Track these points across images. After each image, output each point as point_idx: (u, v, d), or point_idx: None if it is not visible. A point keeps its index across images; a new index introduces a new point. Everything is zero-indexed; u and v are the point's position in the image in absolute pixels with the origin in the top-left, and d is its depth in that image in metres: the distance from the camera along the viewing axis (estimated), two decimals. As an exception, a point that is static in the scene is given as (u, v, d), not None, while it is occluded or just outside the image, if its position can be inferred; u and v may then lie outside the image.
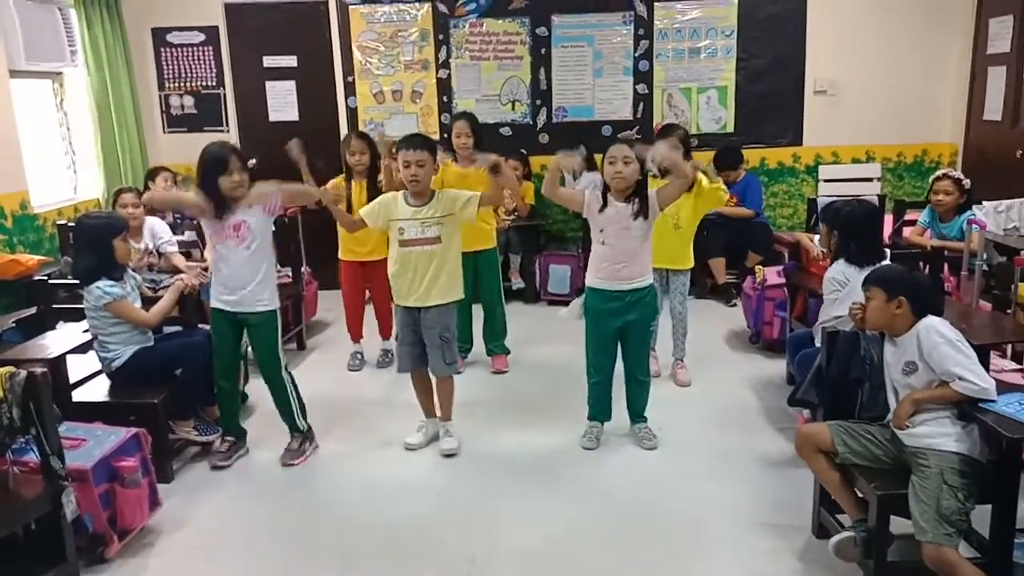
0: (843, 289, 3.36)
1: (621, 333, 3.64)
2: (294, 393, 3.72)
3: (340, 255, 4.75)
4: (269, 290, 3.60)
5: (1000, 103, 5.81)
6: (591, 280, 3.63)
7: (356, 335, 4.92)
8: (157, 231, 4.79)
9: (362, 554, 2.97)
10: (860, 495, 2.68)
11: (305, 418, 3.76)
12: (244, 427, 3.82)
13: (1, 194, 5.01)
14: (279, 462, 3.67)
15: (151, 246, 4.71)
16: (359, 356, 4.91)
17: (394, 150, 3.76)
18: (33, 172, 5.42)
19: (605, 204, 3.52)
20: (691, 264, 4.46)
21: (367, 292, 4.91)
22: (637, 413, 3.79)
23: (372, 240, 4.56)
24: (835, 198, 4.60)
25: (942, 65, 6.40)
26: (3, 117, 5.05)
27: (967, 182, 4.66)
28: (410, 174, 3.48)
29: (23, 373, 2.63)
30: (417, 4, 6.49)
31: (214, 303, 3.58)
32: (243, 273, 3.50)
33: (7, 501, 2.63)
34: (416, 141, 3.57)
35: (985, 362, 2.75)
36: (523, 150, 6.41)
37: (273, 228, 4.75)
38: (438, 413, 3.82)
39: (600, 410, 3.77)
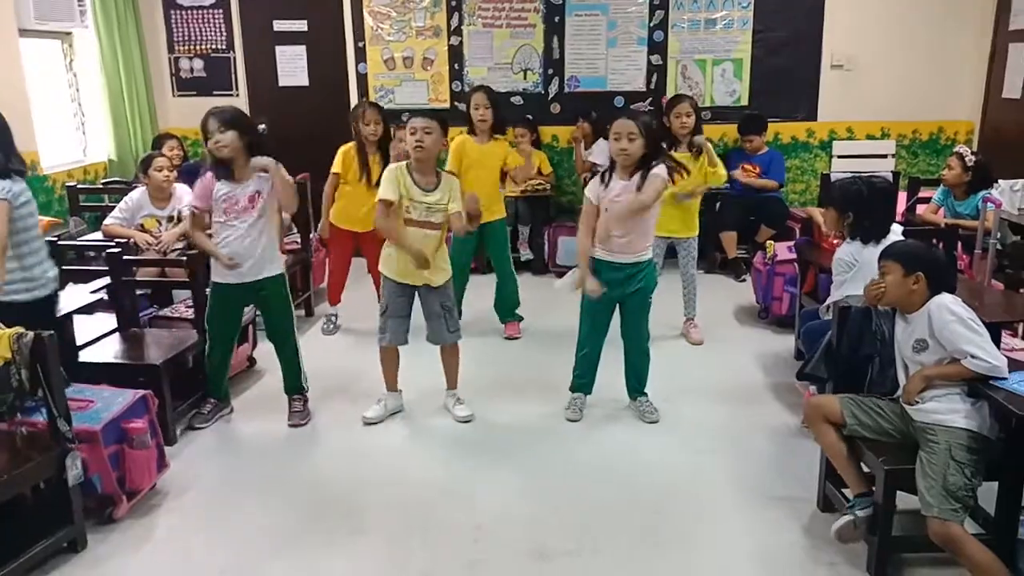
0: (850, 271, 3.33)
1: (620, 306, 3.65)
2: (301, 359, 3.78)
3: (332, 218, 4.75)
4: (276, 253, 3.65)
5: (1020, 81, 5.71)
6: (594, 250, 3.62)
7: (335, 299, 4.97)
8: (182, 198, 4.77)
9: (371, 517, 3.00)
10: (866, 469, 2.69)
11: (306, 380, 3.82)
12: (252, 391, 3.85)
13: (10, 155, 4.99)
14: (287, 424, 3.71)
15: (175, 213, 4.71)
16: (334, 319, 4.96)
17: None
18: (42, 133, 5.40)
19: (609, 182, 3.50)
20: (696, 232, 4.63)
21: (351, 260, 4.93)
22: (638, 387, 3.79)
23: (367, 207, 4.54)
24: (848, 174, 4.56)
25: (961, 41, 6.28)
26: (13, 77, 5.02)
27: (971, 159, 4.63)
28: (415, 140, 3.44)
29: (30, 334, 2.64)
30: (430, -31, 6.40)
31: (218, 278, 3.57)
32: (256, 242, 3.51)
33: (13, 462, 2.63)
34: (426, 112, 3.60)
35: (996, 340, 2.73)
36: (529, 116, 6.33)
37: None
38: (400, 387, 3.83)
39: (585, 382, 3.79)
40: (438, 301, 3.64)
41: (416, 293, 3.65)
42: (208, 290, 3.68)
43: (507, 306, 4.82)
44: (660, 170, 3.44)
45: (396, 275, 3.60)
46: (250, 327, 4.22)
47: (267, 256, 3.57)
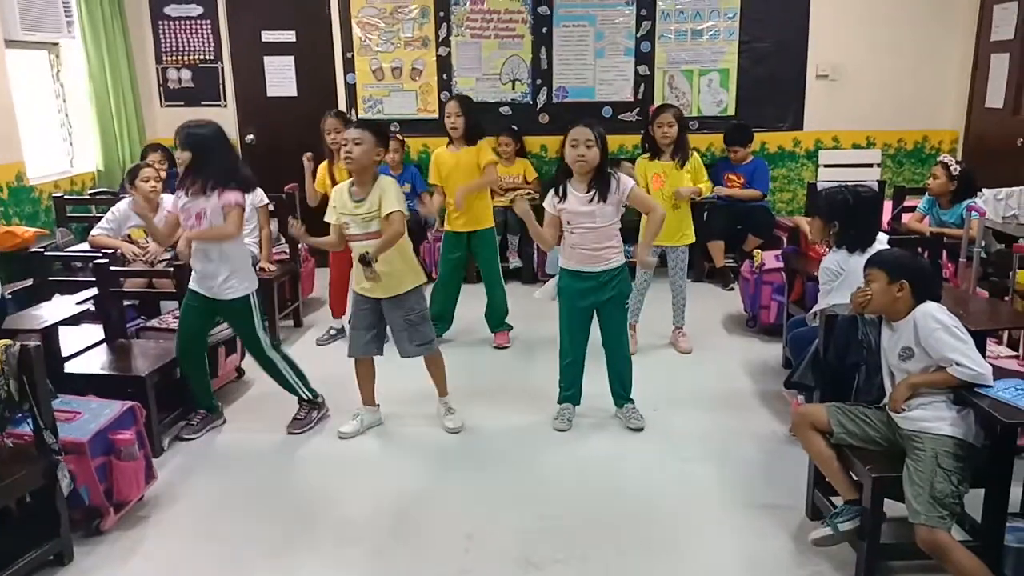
0: (837, 280, 3.35)
1: (597, 313, 3.66)
2: (287, 368, 3.75)
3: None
4: (240, 276, 3.56)
5: (1002, 90, 5.78)
6: (563, 262, 3.65)
7: (339, 312, 4.96)
8: (168, 208, 4.76)
9: (360, 526, 2.99)
10: (854, 477, 2.70)
11: (308, 387, 3.79)
12: (240, 402, 3.82)
13: (-3, 165, 4.98)
14: (285, 431, 3.71)
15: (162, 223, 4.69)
16: (333, 331, 4.95)
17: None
18: (29, 144, 5.37)
19: (565, 194, 3.53)
20: (691, 240, 4.66)
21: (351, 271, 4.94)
22: (623, 394, 3.78)
23: None
24: (834, 183, 4.60)
25: (945, 52, 6.35)
26: (-1, 87, 5.01)
27: (955, 168, 4.67)
28: (345, 151, 3.41)
29: (17, 345, 2.62)
30: (418, -20, 6.43)
31: (190, 284, 3.59)
32: (213, 260, 3.49)
33: None
34: (357, 122, 3.59)
35: (981, 348, 2.75)
36: (513, 126, 6.38)
37: (270, 206, 4.79)
38: (377, 401, 3.81)
39: (572, 393, 3.78)
40: (400, 316, 3.58)
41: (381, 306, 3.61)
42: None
43: (497, 316, 4.83)
44: (627, 180, 3.52)
45: (356, 287, 3.60)
46: (237, 339, 4.20)
47: (229, 278, 3.52)
